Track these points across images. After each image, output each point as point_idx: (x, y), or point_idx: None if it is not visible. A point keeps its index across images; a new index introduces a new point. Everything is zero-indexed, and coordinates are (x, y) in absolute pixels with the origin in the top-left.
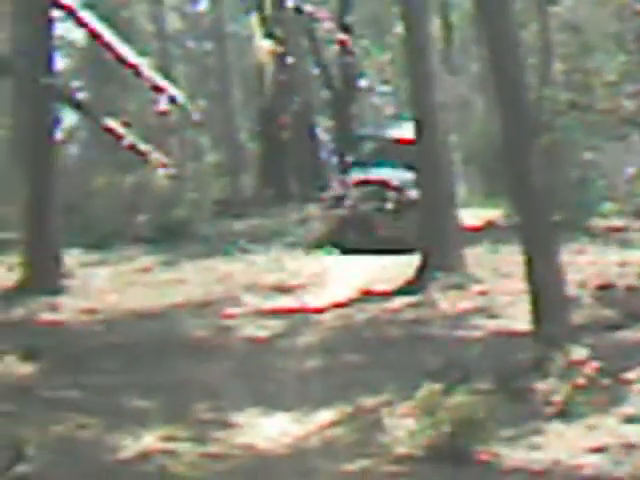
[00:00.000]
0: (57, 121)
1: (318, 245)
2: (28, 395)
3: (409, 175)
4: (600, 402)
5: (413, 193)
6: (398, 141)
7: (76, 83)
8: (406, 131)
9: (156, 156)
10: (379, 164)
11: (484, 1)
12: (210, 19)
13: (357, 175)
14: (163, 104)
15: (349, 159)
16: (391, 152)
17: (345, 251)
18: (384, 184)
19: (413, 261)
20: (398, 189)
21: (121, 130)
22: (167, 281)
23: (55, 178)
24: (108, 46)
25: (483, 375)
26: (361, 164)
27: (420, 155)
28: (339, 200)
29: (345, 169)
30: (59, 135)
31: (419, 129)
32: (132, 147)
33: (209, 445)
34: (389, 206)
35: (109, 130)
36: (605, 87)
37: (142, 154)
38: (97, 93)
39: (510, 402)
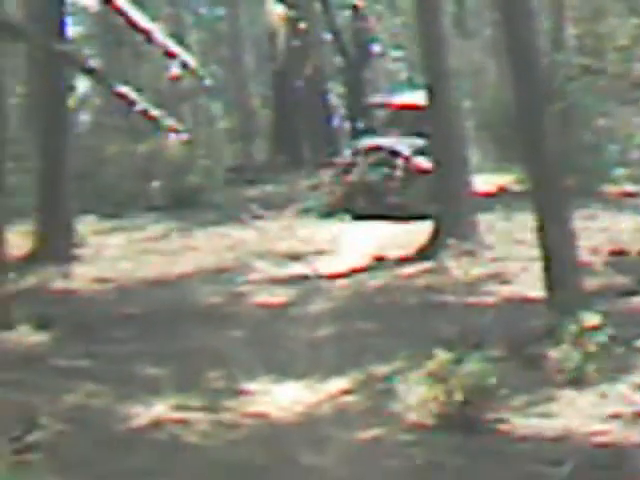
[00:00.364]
0: (70, 88)
1: (329, 212)
2: (41, 364)
3: (419, 142)
4: (612, 369)
5: (423, 160)
6: (408, 108)
7: (89, 50)
8: (416, 98)
9: (168, 121)
10: (389, 131)
11: None
12: None
13: (366, 142)
14: (175, 70)
15: (359, 126)
16: (401, 119)
17: (355, 217)
18: (393, 151)
19: (425, 228)
20: (407, 156)
21: (133, 96)
22: (180, 249)
23: (68, 145)
24: (120, 12)
25: (495, 342)
26: (371, 131)
27: (433, 121)
28: (348, 167)
29: (355, 136)
30: (72, 102)
31: (431, 94)
32: (144, 113)
33: (221, 413)
34: (398, 173)
35: (121, 96)
36: (617, 51)
37: (154, 120)
38: (109, 60)
39: (522, 369)
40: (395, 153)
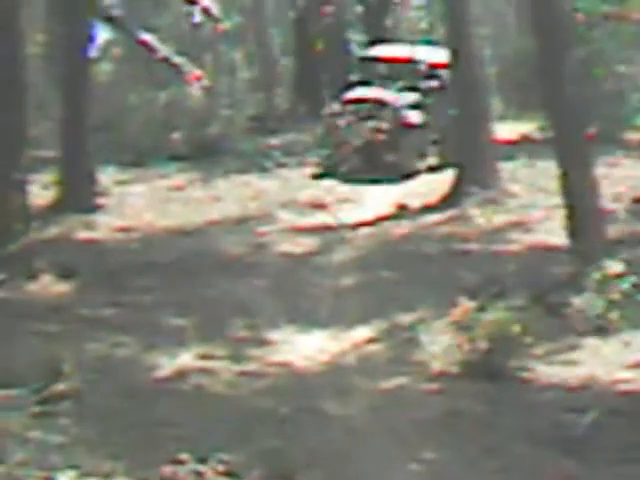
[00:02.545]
0: (91, 38)
1: (321, 173)
2: (64, 314)
3: (412, 96)
4: (636, 317)
5: (413, 114)
6: (404, 62)
7: None
8: (416, 52)
9: (190, 69)
10: (381, 85)
11: None
12: None
13: (355, 93)
14: (197, 16)
15: (352, 78)
16: (397, 73)
17: (345, 180)
18: (379, 102)
19: (447, 177)
20: (395, 109)
21: (155, 43)
22: (202, 198)
23: (89, 96)
24: None
25: (519, 290)
26: (364, 84)
27: (454, 69)
28: (336, 117)
29: (346, 88)
30: (93, 52)
31: (453, 43)
32: (166, 60)
33: (245, 363)
34: (384, 126)
35: (143, 43)
36: None
37: (176, 67)
38: (130, 8)
39: (546, 318)
40: (381, 104)
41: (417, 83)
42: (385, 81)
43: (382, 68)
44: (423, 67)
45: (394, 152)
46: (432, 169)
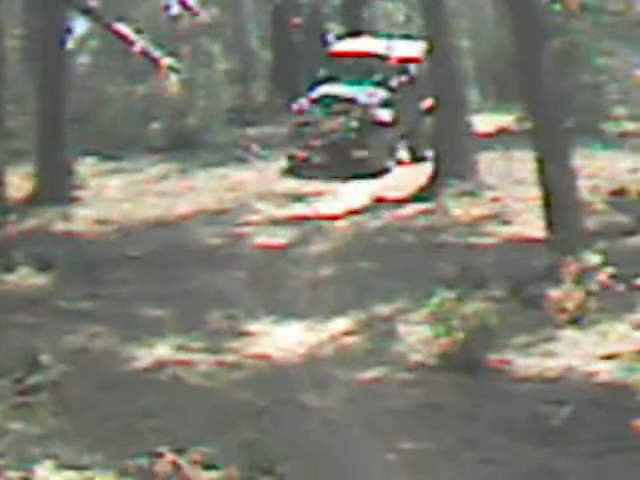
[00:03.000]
0: (69, 30)
1: (288, 169)
2: (42, 306)
3: (381, 93)
4: (613, 309)
5: (382, 112)
6: (375, 57)
7: None
8: (386, 45)
9: (167, 61)
10: (351, 81)
11: None
12: None
13: (323, 90)
14: (175, 8)
15: (320, 74)
16: (364, 68)
17: (310, 177)
18: (348, 100)
19: (424, 169)
20: (364, 106)
21: (132, 35)
22: (180, 190)
23: (67, 87)
24: None
25: (497, 282)
26: (332, 79)
27: (432, 61)
28: (302, 116)
29: (315, 84)
30: (70, 44)
31: (430, 35)
32: (144, 53)
33: (223, 355)
34: (353, 124)
35: (121, 36)
36: None
37: (153, 60)
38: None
39: (523, 309)
40: (350, 102)
41: (386, 78)
42: (353, 77)
43: (351, 63)
44: (392, 62)
45: (364, 149)
46: (401, 163)
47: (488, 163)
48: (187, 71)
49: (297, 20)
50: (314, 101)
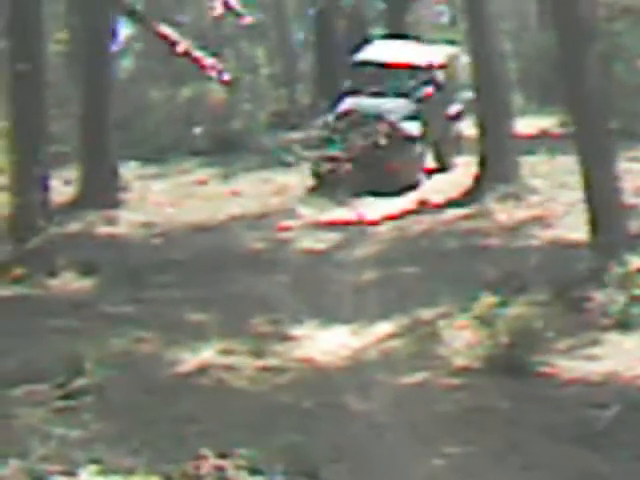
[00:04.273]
0: (113, 33)
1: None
2: (86, 310)
3: (409, 106)
4: None
5: (410, 127)
6: (398, 66)
7: None
8: (407, 54)
9: (211, 62)
10: (375, 93)
11: None
12: None
13: (348, 105)
14: (219, 9)
15: (345, 86)
16: (393, 79)
17: (339, 198)
18: (374, 116)
19: (468, 172)
20: (390, 122)
21: (176, 37)
22: (223, 194)
23: (110, 91)
24: None
25: (540, 286)
26: (356, 92)
27: (475, 64)
28: (329, 133)
29: (339, 98)
30: (115, 47)
31: (474, 37)
32: (187, 54)
33: (267, 358)
34: (382, 141)
35: (164, 37)
36: None
37: (197, 60)
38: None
39: (567, 313)
40: (378, 118)
41: (412, 88)
42: (379, 88)
43: (375, 72)
44: (418, 70)
45: (393, 166)
46: (429, 172)
47: (531, 166)
48: (231, 74)
49: (340, 24)
50: (339, 116)
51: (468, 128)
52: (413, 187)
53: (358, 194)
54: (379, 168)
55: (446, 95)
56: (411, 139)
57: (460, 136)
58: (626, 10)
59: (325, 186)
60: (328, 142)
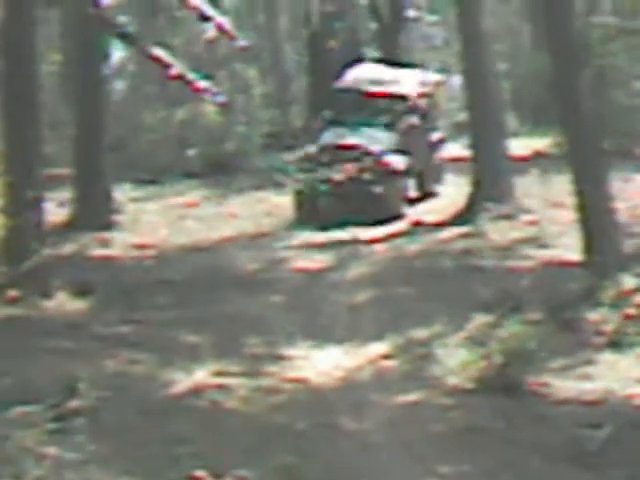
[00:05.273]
0: (106, 56)
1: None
2: (80, 331)
3: (390, 138)
4: None
5: (396, 161)
6: (381, 95)
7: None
8: (391, 82)
9: (204, 84)
10: (358, 123)
11: None
12: None
13: (332, 138)
14: (211, 32)
15: (325, 117)
16: (376, 109)
17: (322, 227)
18: (357, 149)
19: (462, 193)
20: (377, 155)
21: (169, 60)
22: (217, 215)
23: (104, 113)
24: None
25: (534, 305)
26: (338, 123)
27: (468, 84)
28: (308, 161)
29: (320, 130)
30: (108, 70)
31: (467, 58)
32: (180, 77)
33: (261, 379)
34: (366, 176)
35: (157, 59)
36: None
37: (190, 83)
38: (145, 26)
39: (561, 332)
40: (364, 152)
41: (395, 119)
42: (360, 118)
43: (358, 100)
44: (403, 100)
45: (377, 198)
46: (410, 200)
47: (525, 187)
48: (225, 96)
49: (333, 45)
50: (322, 149)
51: (461, 150)
52: (396, 218)
53: (340, 224)
54: (362, 199)
55: (428, 122)
56: (397, 173)
57: (441, 164)
58: (621, 31)
59: (306, 213)
60: (311, 172)
